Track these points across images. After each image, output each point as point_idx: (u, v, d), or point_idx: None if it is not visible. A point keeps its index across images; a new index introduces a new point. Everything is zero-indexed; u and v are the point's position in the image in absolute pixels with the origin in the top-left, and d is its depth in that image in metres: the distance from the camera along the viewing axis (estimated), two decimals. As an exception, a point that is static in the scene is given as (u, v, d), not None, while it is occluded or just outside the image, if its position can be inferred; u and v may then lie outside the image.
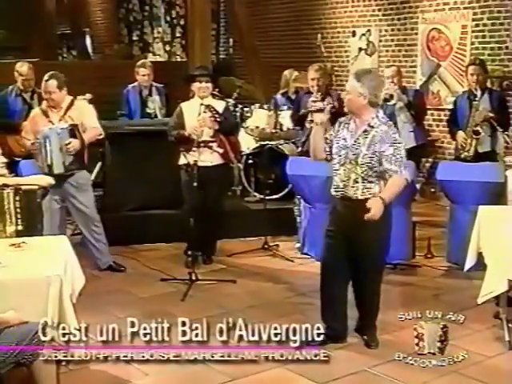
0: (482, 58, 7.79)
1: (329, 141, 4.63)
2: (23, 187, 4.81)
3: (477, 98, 6.62)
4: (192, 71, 7.00)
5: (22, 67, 7.22)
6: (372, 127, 4.46)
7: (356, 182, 4.46)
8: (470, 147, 6.67)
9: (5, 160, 5.18)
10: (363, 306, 4.77)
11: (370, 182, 4.46)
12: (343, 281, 4.69)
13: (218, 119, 6.21)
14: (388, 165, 4.42)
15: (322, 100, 5.44)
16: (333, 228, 4.65)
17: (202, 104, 6.19)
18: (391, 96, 6.99)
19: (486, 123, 6.60)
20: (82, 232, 6.21)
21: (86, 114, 6.12)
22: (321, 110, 4.68)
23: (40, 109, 6.10)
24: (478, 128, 6.61)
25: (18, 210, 4.67)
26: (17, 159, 6.92)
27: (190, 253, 6.33)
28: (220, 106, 6.42)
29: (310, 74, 6.89)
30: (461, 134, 6.76)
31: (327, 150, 4.64)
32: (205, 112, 6.14)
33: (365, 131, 4.47)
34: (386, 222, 4.50)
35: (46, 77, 5.94)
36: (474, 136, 6.63)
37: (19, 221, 4.67)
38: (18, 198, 4.68)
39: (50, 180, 5.21)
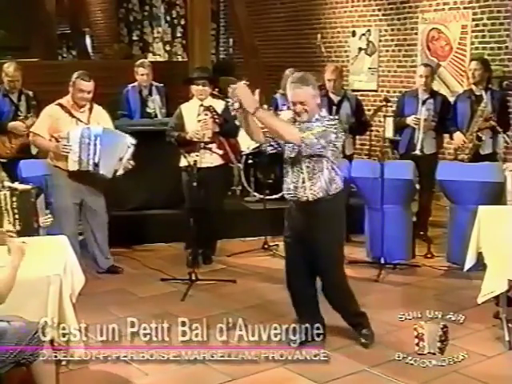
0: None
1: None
2: (19, 187, 4.81)
3: (483, 104, 6.51)
4: (191, 72, 7.00)
5: (9, 68, 7.10)
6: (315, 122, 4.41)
7: (303, 182, 4.46)
8: (469, 151, 6.62)
9: None
10: (334, 305, 4.74)
11: (316, 178, 4.42)
12: (309, 283, 4.74)
13: (218, 120, 6.22)
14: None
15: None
16: (288, 233, 4.69)
17: (201, 105, 6.20)
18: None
19: (487, 125, 6.56)
20: (92, 232, 6.18)
21: (105, 119, 6.16)
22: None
23: (59, 106, 5.96)
24: (483, 136, 6.57)
25: (16, 211, 4.66)
26: (1, 160, 6.88)
27: (190, 250, 6.33)
28: (219, 105, 6.43)
29: (327, 75, 6.92)
30: (459, 136, 6.71)
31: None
32: (206, 114, 6.15)
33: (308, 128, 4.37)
34: (338, 222, 4.58)
35: (84, 76, 5.89)
36: (477, 142, 6.59)
37: (17, 221, 4.66)
38: (14, 199, 4.67)
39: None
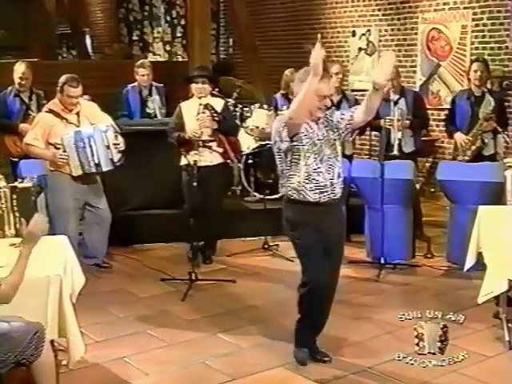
0: (481, 58, 7.76)
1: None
2: (19, 185, 4.80)
3: (490, 107, 6.51)
4: (191, 71, 7.01)
5: (20, 66, 7.19)
6: (329, 108, 4.31)
7: (339, 176, 4.25)
8: (471, 152, 6.61)
9: None
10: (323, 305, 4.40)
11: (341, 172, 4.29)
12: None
13: (217, 118, 6.23)
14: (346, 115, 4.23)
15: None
16: (316, 239, 4.21)
17: (200, 104, 6.20)
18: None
19: (490, 127, 6.56)
20: (94, 231, 6.16)
21: (98, 113, 6.13)
22: None
23: (50, 111, 5.93)
24: (486, 138, 6.57)
25: (16, 209, 4.65)
26: (14, 159, 6.93)
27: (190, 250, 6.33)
28: (219, 104, 6.43)
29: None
30: (460, 136, 6.72)
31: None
32: (203, 112, 6.15)
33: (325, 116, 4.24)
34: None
35: (72, 82, 5.83)
36: (482, 145, 6.59)
37: (17, 219, 4.65)
38: (14, 197, 4.65)
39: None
